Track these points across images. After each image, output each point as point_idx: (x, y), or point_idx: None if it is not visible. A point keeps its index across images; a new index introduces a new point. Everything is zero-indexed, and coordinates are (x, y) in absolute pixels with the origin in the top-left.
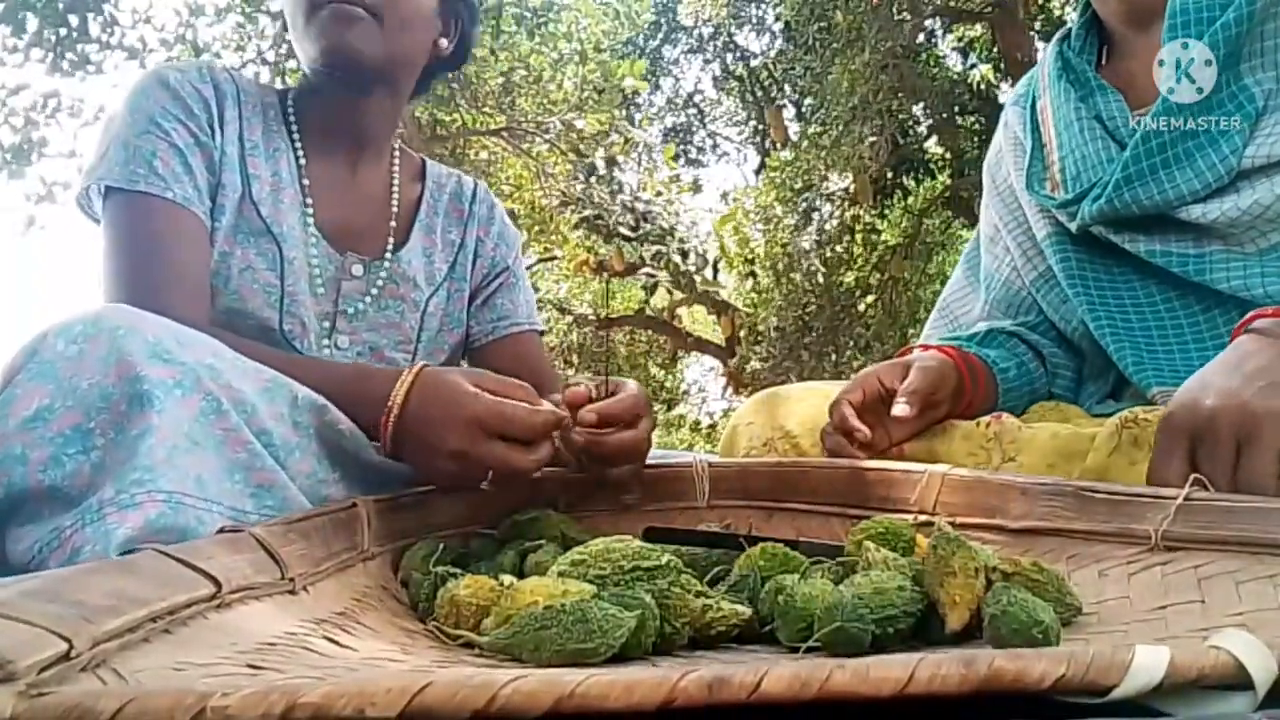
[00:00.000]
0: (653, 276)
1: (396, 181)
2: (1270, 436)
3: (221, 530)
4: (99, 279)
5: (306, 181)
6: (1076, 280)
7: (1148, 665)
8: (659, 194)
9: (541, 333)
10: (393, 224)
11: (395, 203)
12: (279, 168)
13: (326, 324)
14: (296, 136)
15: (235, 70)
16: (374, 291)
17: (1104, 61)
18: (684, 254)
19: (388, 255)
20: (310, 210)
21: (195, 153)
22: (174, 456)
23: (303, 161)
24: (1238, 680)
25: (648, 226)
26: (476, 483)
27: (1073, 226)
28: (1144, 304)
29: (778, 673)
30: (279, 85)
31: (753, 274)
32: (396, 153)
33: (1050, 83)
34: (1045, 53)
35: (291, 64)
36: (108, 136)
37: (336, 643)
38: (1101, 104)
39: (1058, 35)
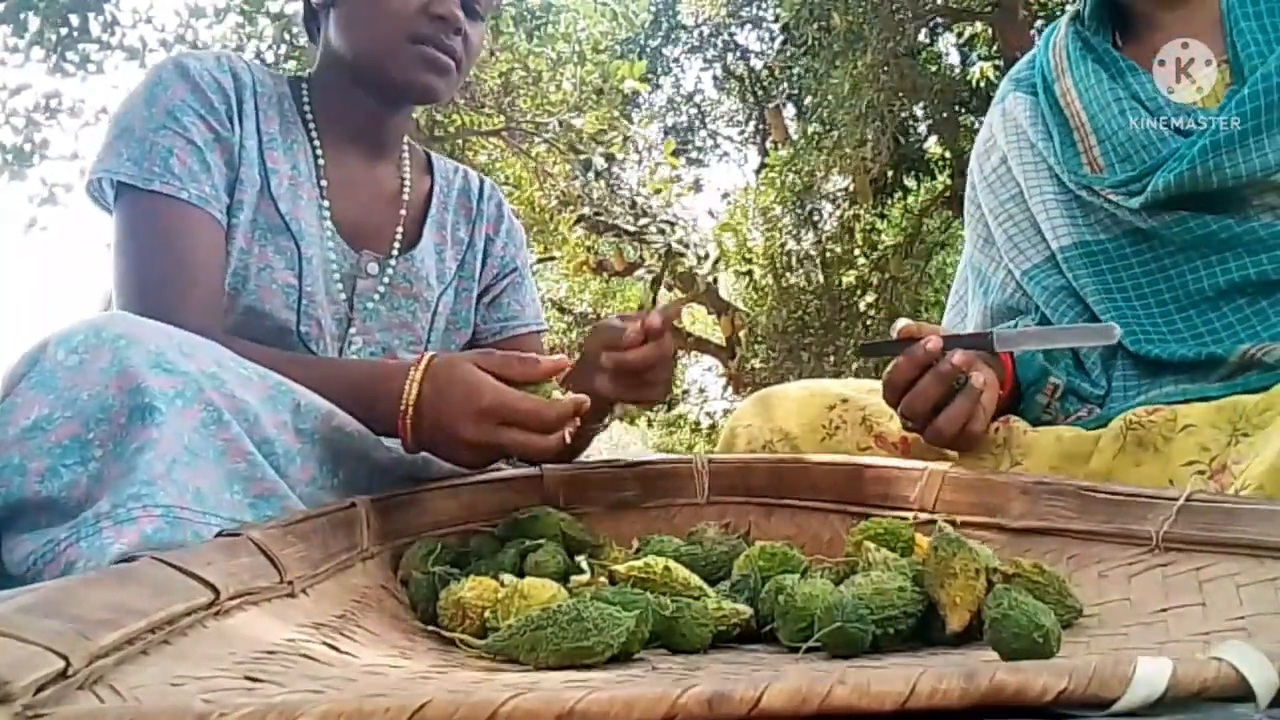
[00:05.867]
0: (652, 270)
1: (408, 177)
2: None
3: (219, 534)
4: (110, 277)
5: (324, 179)
6: (1105, 276)
7: (1149, 678)
8: (658, 191)
9: (543, 331)
10: (403, 220)
11: (406, 197)
12: (296, 161)
13: (341, 325)
14: (314, 130)
15: (248, 59)
16: (388, 290)
17: (1118, 42)
18: (684, 250)
19: (395, 252)
20: (327, 206)
21: (214, 149)
22: (173, 470)
23: (320, 156)
24: (1239, 692)
25: (646, 220)
26: (493, 462)
27: (1134, 203)
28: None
29: (778, 688)
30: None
31: (752, 274)
32: (405, 147)
33: (1073, 64)
34: (1052, 35)
35: (290, 65)
36: (121, 125)
37: (336, 648)
38: (1136, 84)
39: (1068, 16)
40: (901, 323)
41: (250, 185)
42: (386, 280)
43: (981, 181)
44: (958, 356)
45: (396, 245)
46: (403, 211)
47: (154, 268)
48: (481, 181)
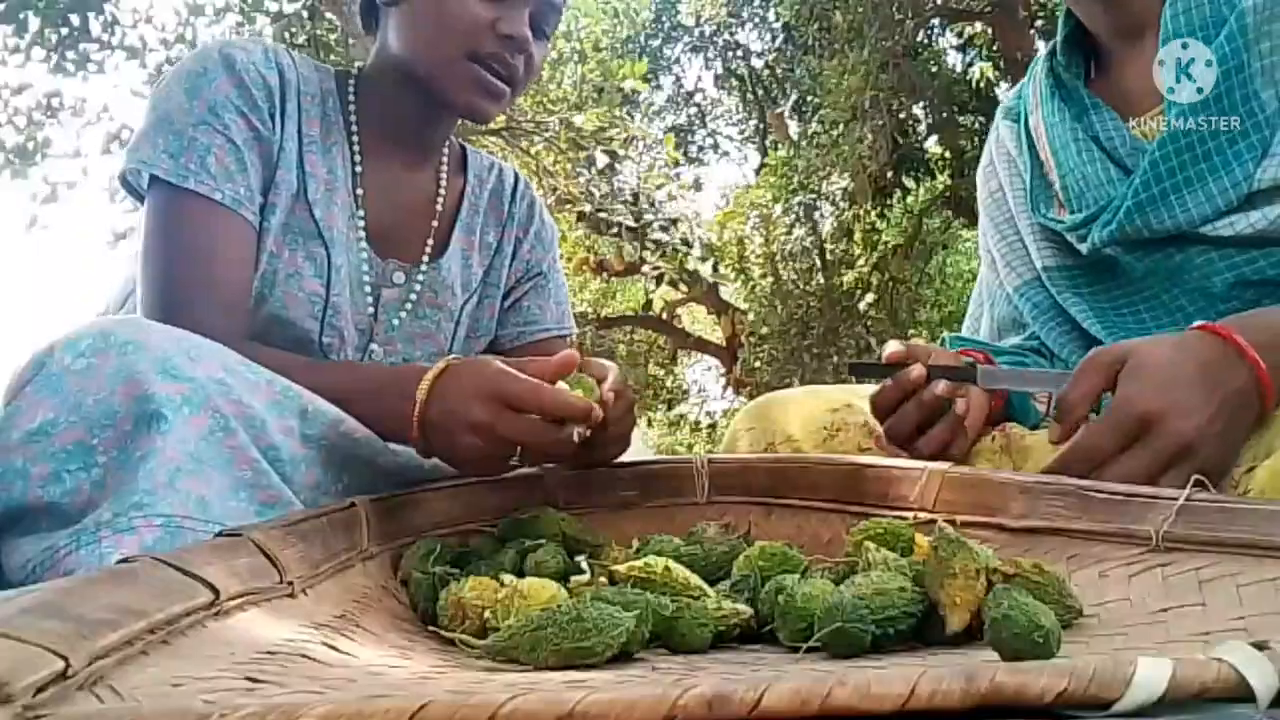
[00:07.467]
0: (656, 269)
1: (444, 183)
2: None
3: (219, 534)
4: (136, 267)
5: (360, 186)
6: (1085, 297)
7: (1150, 678)
8: (659, 187)
9: (569, 335)
10: (434, 226)
11: (440, 204)
12: (334, 165)
13: (364, 335)
14: (355, 131)
15: (294, 52)
16: (412, 300)
17: (1093, 74)
18: (686, 250)
19: (425, 261)
20: (361, 215)
21: (254, 148)
22: (176, 479)
23: (359, 161)
24: (1239, 692)
25: (649, 217)
26: (504, 461)
27: (1083, 249)
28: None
29: (778, 689)
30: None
31: (753, 274)
32: (445, 148)
33: (1043, 100)
34: (1034, 67)
35: None
36: (159, 113)
37: (336, 649)
38: (1097, 123)
39: (1045, 50)
40: (890, 346)
41: (286, 188)
42: (412, 290)
43: (982, 204)
44: (940, 387)
45: (426, 254)
46: (435, 223)
47: (180, 267)
48: (516, 179)
